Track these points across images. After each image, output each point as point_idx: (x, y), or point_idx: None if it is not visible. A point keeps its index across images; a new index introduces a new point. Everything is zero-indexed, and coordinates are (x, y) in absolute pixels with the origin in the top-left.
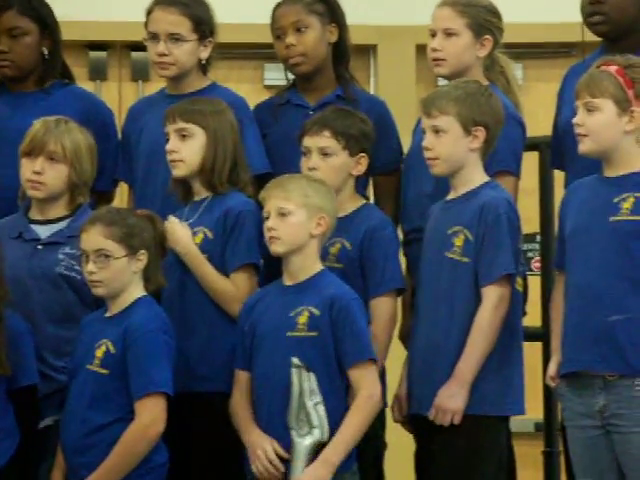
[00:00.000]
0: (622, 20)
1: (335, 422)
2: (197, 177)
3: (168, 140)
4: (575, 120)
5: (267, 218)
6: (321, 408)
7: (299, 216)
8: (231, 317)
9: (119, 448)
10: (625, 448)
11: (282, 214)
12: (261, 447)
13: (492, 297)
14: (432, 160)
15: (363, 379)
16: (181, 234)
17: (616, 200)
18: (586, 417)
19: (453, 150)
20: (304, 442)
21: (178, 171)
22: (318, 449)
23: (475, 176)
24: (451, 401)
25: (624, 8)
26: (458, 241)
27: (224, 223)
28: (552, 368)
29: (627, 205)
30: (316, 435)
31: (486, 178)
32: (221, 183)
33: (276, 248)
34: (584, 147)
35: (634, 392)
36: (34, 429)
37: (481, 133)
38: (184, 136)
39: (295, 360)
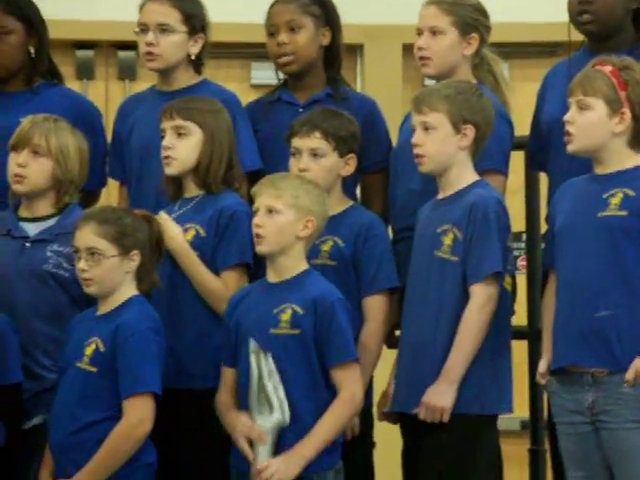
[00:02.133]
0: (610, 20)
1: (316, 420)
2: (190, 175)
3: (163, 137)
4: (566, 117)
5: (256, 213)
6: (281, 390)
7: (287, 216)
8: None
9: (106, 447)
10: (614, 444)
11: (270, 211)
12: (236, 429)
13: (479, 296)
14: (420, 158)
15: (345, 379)
16: (176, 231)
17: (605, 196)
18: (576, 413)
19: (442, 147)
20: (265, 424)
21: (170, 169)
22: (280, 432)
23: (465, 175)
24: (439, 399)
25: (612, 8)
26: (447, 240)
27: (218, 222)
28: (542, 365)
29: (615, 201)
30: (276, 417)
31: (476, 177)
32: (216, 183)
33: (261, 248)
34: (572, 146)
35: (622, 388)
36: (20, 428)
37: (470, 131)
38: (181, 134)
39: (252, 344)
